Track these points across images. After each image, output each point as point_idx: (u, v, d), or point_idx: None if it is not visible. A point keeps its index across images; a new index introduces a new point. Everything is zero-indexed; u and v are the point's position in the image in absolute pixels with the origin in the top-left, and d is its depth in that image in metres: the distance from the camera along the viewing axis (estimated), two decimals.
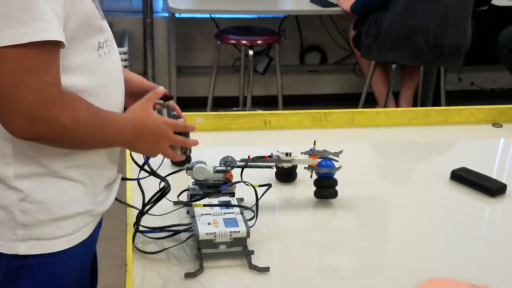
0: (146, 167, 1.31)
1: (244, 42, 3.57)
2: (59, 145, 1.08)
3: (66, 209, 1.13)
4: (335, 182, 1.48)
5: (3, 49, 0.95)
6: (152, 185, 1.35)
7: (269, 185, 1.43)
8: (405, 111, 2.03)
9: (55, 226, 1.13)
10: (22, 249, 1.11)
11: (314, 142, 1.51)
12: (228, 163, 1.41)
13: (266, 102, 3.98)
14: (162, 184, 1.33)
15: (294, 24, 4.15)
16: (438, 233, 1.44)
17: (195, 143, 1.24)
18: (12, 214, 1.09)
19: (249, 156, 1.44)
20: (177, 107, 1.30)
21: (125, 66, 4.17)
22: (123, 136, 1.15)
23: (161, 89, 1.25)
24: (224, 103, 3.98)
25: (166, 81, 4.05)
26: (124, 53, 3.67)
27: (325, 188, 1.48)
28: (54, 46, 1.00)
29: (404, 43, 3.26)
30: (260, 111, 1.94)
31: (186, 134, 1.23)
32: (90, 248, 1.24)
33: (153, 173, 1.32)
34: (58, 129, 1.01)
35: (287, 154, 1.49)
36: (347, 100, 4.11)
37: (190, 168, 1.36)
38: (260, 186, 1.40)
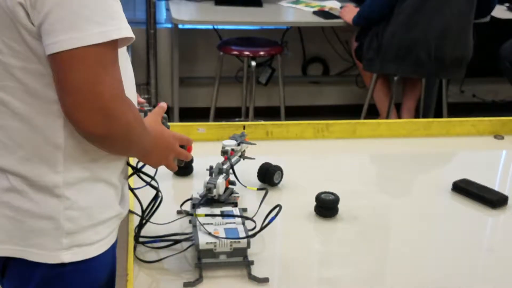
0: (142, 173, 1.34)
1: (246, 53, 3.58)
2: (117, 145, 1.08)
3: (104, 213, 1.15)
4: (336, 200, 1.48)
5: (85, 48, 0.97)
6: (148, 191, 1.35)
7: (265, 190, 1.46)
8: (407, 122, 2.04)
9: (94, 231, 1.13)
10: (67, 257, 1.11)
11: (244, 126, 1.54)
12: (221, 170, 1.43)
13: (269, 113, 3.99)
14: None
15: (297, 35, 4.16)
16: (439, 244, 1.44)
17: (191, 156, 1.34)
18: (58, 223, 1.09)
19: (225, 157, 1.48)
20: None
21: None
22: (148, 144, 1.17)
23: (165, 104, 1.29)
24: (226, 114, 3.99)
25: (169, 91, 4.06)
26: None
27: (327, 208, 1.48)
28: (118, 44, 1.02)
29: (405, 55, 3.27)
30: (262, 122, 1.95)
31: (183, 147, 1.29)
32: (116, 250, 1.25)
33: (148, 176, 1.34)
34: (126, 125, 1.04)
35: (239, 144, 1.51)
36: (349, 112, 4.11)
37: (213, 184, 1.37)
38: (258, 189, 1.45)
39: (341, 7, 3.73)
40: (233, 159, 1.49)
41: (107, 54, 1.00)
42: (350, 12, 3.50)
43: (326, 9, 3.74)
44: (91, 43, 0.97)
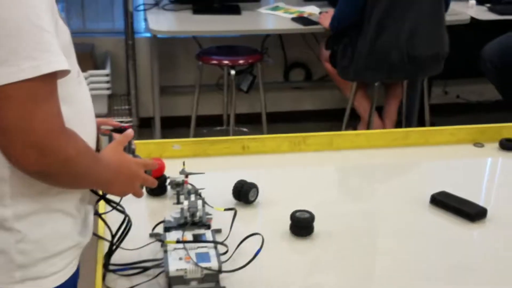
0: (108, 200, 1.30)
1: (226, 62, 3.55)
2: (59, 180, 1.05)
3: (59, 244, 1.12)
4: (311, 219, 1.45)
5: (16, 84, 0.94)
6: (119, 216, 1.32)
7: (234, 210, 1.43)
8: (384, 132, 2.01)
9: (49, 263, 1.11)
10: None
11: (184, 162, 1.52)
12: (189, 191, 1.41)
13: (251, 120, 3.97)
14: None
15: (278, 41, 4.14)
16: (417, 258, 1.41)
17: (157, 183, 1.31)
18: (10, 256, 1.07)
19: (186, 181, 1.46)
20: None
21: (107, 88, 4.07)
22: (105, 174, 1.14)
23: (131, 132, 1.25)
24: (208, 122, 3.96)
25: (150, 101, 4.01)
26: (107, 75, 3.61)
27: (302, 228, 1.45)
28: (55, 77, 0.99)
29: (379, 61, 3.25)
30: (239, 136, 1.92)
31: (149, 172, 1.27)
32: (77, 281, 1.22)
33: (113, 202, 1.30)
34: (65, 161, 1.00)
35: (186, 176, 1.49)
36: (332, 116, 4.10)
37: (196, 208, 1.37)
38: (225, 209, 1.44)
39: (320, 13, 3.70)
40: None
41: (41, 89, 0.96)
42: (329, 18, 3.47)
43: (305, 15, 3.71)
44: (21, 78, 0.94)
